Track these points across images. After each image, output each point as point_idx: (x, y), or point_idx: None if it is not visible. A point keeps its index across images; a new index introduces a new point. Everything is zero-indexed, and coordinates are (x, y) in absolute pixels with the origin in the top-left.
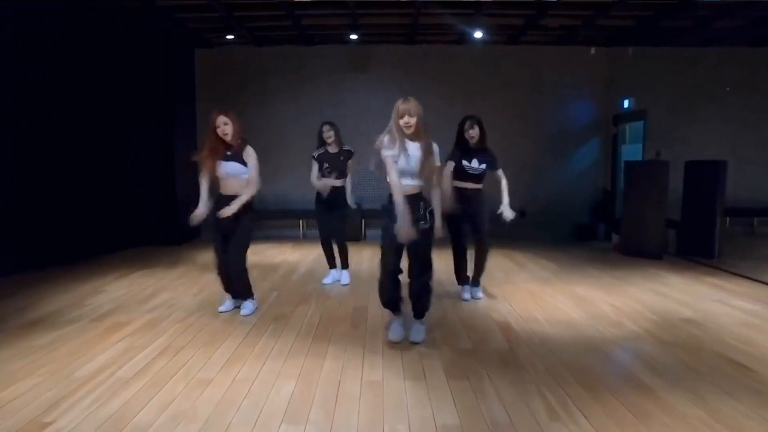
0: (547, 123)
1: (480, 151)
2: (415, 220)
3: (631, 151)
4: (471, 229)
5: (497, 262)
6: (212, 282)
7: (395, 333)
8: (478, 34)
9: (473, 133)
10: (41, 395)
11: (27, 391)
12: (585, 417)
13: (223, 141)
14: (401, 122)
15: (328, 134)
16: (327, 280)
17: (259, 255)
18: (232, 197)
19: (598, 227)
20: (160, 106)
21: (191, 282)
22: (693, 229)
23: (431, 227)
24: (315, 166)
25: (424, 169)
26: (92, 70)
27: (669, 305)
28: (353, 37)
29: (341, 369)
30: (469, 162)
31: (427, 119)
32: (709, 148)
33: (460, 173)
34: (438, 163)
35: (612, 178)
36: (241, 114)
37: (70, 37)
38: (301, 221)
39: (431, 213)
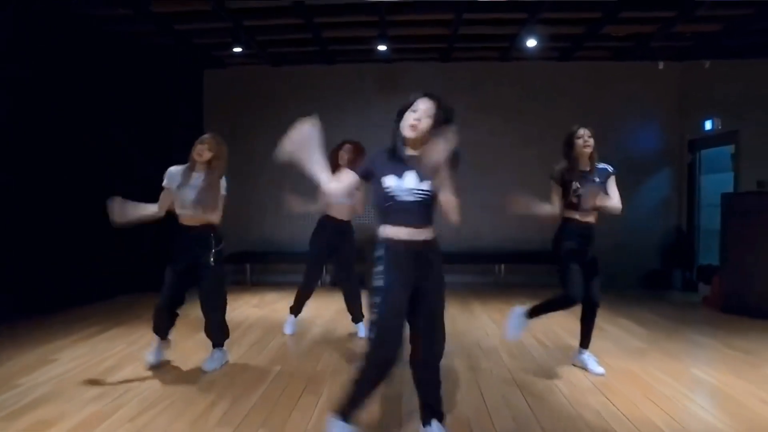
0: (606, 151)
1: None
2: None
3: (714, 183)
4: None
5: (560, 321)
6: (199, 346)
7: None
8: (531, 43)
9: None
10: None
11: None
12: None
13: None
14: None
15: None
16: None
17: (267, 308)
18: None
19: (673, 274)
20: (158, 133)
21: (174, 343)
22: None
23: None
24: None
25: None
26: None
27: None
28: (382, 48)
29: None
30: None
31: (466, 147)
32: None
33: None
34: None
35: (689, 216)
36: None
37: (76, 63)
38: (323, 266)
39: None
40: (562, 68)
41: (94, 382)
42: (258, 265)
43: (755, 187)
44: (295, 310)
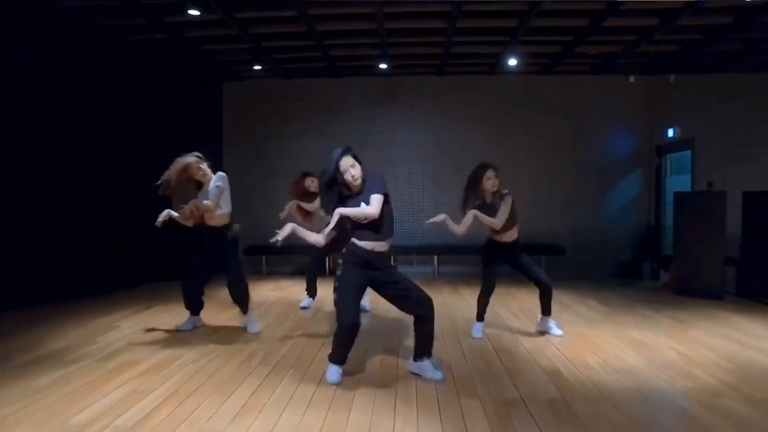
0: (584, 156)
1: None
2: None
3: (678, 183)
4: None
5: (535, 302)
6: (230, 320)
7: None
8: (512, 62)
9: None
10: None
11: None
12: None
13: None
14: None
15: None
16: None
17: (284, 291)
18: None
19: (643, 265)
20: (183, 142)
21: (207, 320)
22: (756, 267)
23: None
24: None
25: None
26: (113, 102)
27: (751, 354)
28: (383, 66)
29: (369, 420)
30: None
31: (457, 153)
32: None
33: None
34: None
35: (656, 213)
36: (268, 147)
37: (93, 66)
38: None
39: None
40: (543, 81)
41: (155, 340)
42: (272, 256)
43: (706, 187)
44: (310, 291)
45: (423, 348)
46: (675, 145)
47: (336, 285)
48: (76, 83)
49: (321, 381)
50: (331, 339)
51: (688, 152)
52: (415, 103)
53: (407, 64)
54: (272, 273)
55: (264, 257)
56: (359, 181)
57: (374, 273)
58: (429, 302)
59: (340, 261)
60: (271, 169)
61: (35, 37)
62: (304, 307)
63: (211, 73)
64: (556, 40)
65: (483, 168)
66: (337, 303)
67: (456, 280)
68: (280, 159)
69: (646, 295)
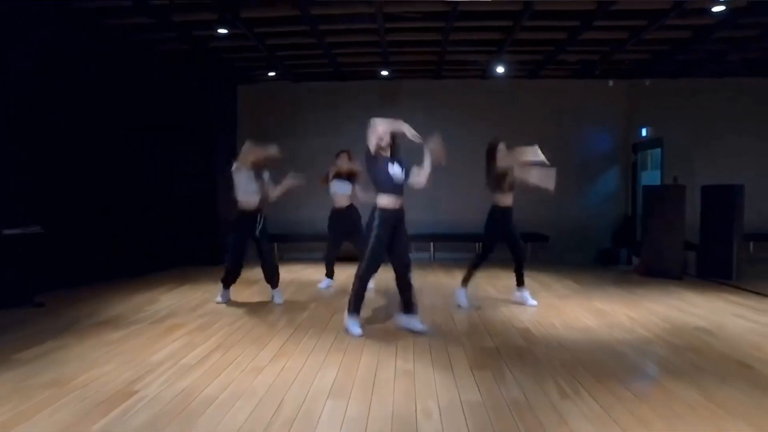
0: (568, 152)
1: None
2: None
3: (651, 178)
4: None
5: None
6: (255, 294)
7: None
8: (499, 70)
9: None
10: (123, 375)
11: (110, 372)
12: (591, 396)
13: None
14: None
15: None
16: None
17: (297, 274)
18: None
19: (620, 252)
20: (203, 138)
21: (234, 294)
22: (711, 251)
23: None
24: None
25: None
26: (142, 104)
27: (684, 317)
28: (384, 73)
29: (377, 361)
30: None
31: (452, 149)
32: (732, 175)
33: None
34: None
35: (632, 204)
36: (279, 144)
37: (123, 75)
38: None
39: None
40: (530, 85)
41: (194, 309)
42: (283, 244)
43: (672, 181)
44: (329, 273)
45: (411, 302)
46: (647, 144)
47: (373, 236)
48: (105, 87)
49: (336, 336)
50: (341, 310)
51: (659, 150)
52: (414, 105)
53: (406, 69)
54: (282, 260)
55: (276, 245)
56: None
57: (399, 225)
58: (410, 264)
59: (376, 218)
60: (281, 164)
61: (64, 42)
62: (322, 288)
63: (227, 77)
64: (539, 50)
65: (495, 141)
66: (370, 251)
67: (450, 264)
68: (290, 155)
69: (618, 276)
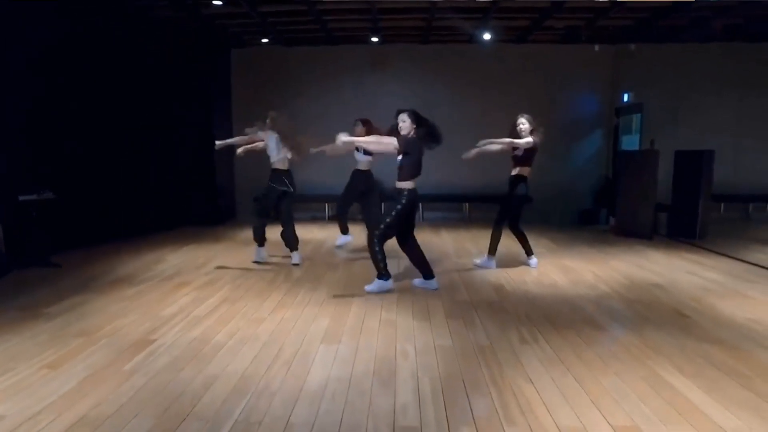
0: (553, 115)
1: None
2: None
3: (631, 142)
4: None
5: (503, 242)
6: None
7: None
8: (486, 36)
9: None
10: (140, 326)
11: (128, 323)
12: (547, 342)
13: None
14: None
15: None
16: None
17: (308, 234)
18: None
19: (600, 212)
20: (201, 103)
21: (235, 253)
22: (680, 213)
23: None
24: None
25: None
26: (141, 71)
27: (643, 274)
28: (374, 39)
29: (364, 312)
30: None
31: (441, 112)
32: (710, 140)
33: None
34: None
35: (613, 167)
36: (272, 107)
37: (123, 42)
38: (326, 204)
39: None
40: (518, 50)
41: (199, 267)
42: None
43: (649, 145)
44: (343, 230)
45: (429, 268)
46: (629, 109)
47: (397, 211)
48: (107, 54)
49: (330, 291)
50: (334, 268)
51: (639, 115)
52: (402, 68)
53: (395, 34)
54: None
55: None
56: (403, 132)
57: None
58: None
59: (404, 197)
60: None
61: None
62: (339, 246)
63: (221, 42)
64: (526, 16)
65: (518, 118)
66: (389, 223)
67: (437, 223)
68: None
69: (593, 236)
